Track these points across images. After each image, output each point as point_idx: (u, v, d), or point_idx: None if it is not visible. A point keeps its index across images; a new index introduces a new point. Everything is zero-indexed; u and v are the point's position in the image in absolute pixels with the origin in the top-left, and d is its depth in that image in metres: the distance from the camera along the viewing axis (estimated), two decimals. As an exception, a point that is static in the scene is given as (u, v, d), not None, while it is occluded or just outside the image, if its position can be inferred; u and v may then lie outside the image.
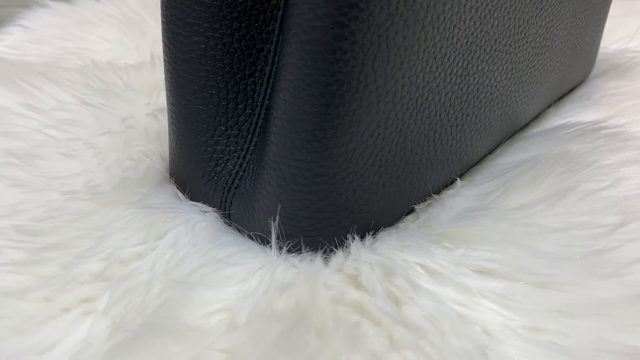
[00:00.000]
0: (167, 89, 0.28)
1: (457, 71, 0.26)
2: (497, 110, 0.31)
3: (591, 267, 0.21)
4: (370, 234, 0.26)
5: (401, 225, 0.27)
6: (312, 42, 0.22)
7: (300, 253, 0.26)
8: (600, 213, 0.25)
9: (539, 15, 0.31)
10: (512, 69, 0.30)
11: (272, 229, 0.26)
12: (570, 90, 0.45)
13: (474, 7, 0.25)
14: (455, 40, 0.25)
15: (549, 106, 0.41)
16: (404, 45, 0.23)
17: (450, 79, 0.26)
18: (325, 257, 0.25)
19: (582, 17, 0.37)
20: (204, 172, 0.29)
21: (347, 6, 0.21)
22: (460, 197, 0.29)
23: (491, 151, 0.34)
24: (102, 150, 0.30)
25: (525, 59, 0.31)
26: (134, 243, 0.24)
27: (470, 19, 0.25)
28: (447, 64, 0.25)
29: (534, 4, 0.30)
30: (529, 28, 0.30)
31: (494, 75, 0.29)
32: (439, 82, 0.25)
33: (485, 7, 0.26)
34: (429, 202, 0.29)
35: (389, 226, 0.27)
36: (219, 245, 0.24)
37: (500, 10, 0.27)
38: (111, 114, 0.34)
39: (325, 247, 0.26)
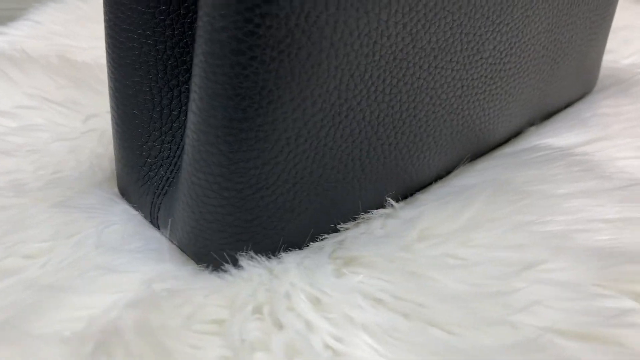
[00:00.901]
0: (109, 94, 0.29)
1: (384, 89, 0.25)
2: (445, 129, 0.30)
3: (483, 310, 0.20)
4: (280, 251, 0.26)
5: (317, 244, 0.26)
6: (212, 55, 0.22)
7: (210, 267, 0.26)
8: (523, 249, 0.24)
9: (497, 30, 0.29)
10: (462, 86, 0.29)
11: (172, 239, 0.26)
12: (567, 106, 0.43)
13: (401, 23, 0.24)
14: (377, 57, 0.24)
15: (532, 124, 0.39)
16: (310, 63, 0.22)
17: (376, 97, 0.25)
18: (223, 273, 0.25)
19: (564, 32, 0.35)
20: (139, 176, 0.30)
21: (242, 21, 0.21)
22: (394, 218, 0.28)
23: (449, 171, 0.33)
24: (45, 149, 0.31)
25: (482, 76, 0.30)
26: (40, 239, 0.24)
27: (396, 35, 0.24)
28: (370, 82, 0.25)
29: (488, 19, 0.28)
30: (483, 44, 0.29)
31: (436, 92, 0.28)
32: (361, 100, 0.25)
33: (416, 23, 0.25)
34: (358, 221, 0.28)
35: (306, 244, 0.27)
36: (121, 251, 0.24)
37: (440, 25, 0.26)
38: (72, 114, 0.35)
39: (237, 262, 0.25)
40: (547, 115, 0.41)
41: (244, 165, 0.24)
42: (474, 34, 0.28)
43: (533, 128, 0.39)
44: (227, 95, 0.22)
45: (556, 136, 0.37)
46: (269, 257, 0.25)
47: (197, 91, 0.23)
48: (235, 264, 0.25)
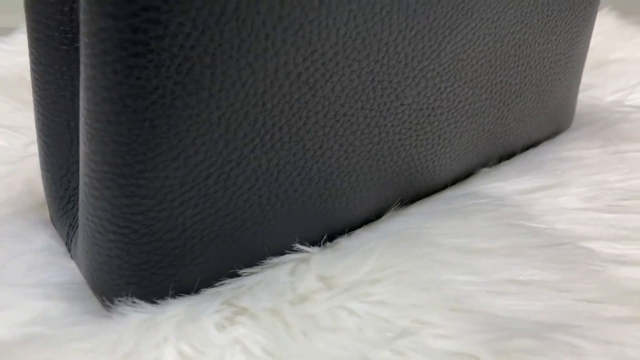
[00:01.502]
0: (35, 125, 0.29)
1: (281, 137, 0.25)
2: (363, 175, 0.29)
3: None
4: (170, 296, 0.26)
5: (213, 290, 0.26)
6: (90, 102, 0.22)
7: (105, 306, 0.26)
8: (416, 310, 0.23)
9: (420, 76, 0.29)
10: (380, 132, 0.29)
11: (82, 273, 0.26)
12: (533, 145, 0.42)
13: (294, 73, 0.24)
14: (269, 106, 0.24)
15: (486, 165, 0.38)
16: (188, 113, 0.22)
17: (273, 145, 0.25)
18: (105, 316, 0.25)
19: (514, 74, 0.34)
20: (59, 206, 0.30)
21: (111, 72, 0.21)
22: (306, 263, 0.28)
23: (381, 214, 0.32)
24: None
25: (405, 122, 0.29)
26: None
27: (290, 85, 0.24)
28: (263, 131, 0.24)
29: (407, 66, 0.28)
30: (403, 91, 0.28)
31: (348, 140, 0.27)
32: (254, 148, 0.24)
33: (314, 73, 0.24)
34: (265, 266, 0.28)
35: (198, 291, 0.26)
36: (13, 285, 0.25)
37: (344, 74, 0.25)
38: (17, 138, 0.36)
39: (123, 304, 0.25)
40: (507, 155, 0.39)
41: (127, 211, 0.24)
42: (390, 81, 0.28)
43: (486, 169, 0.38)
44: (104, 142, 0.22)
45: (504, 180, 0.36)
46: (156, 303, 0.25)
47: (82, 135, 0.23)
48: (121, 306, 0.25)
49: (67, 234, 0.30)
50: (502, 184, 0.35)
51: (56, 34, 0.25)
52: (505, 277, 0.26)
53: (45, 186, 0.31)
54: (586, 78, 0.52)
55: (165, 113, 0.22)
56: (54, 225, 0.32)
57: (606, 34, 0.63)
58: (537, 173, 0.37)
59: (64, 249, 0.30)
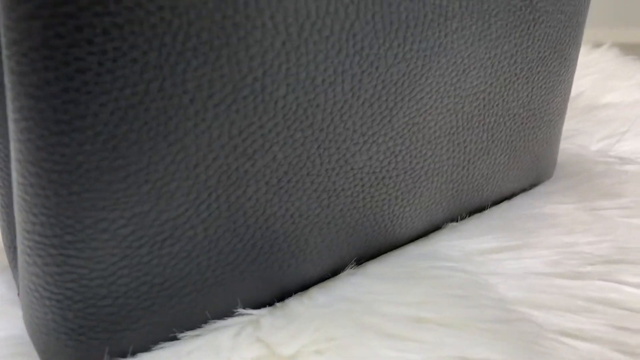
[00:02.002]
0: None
1: (219, 206, 0.25)
2: (311, 239, 0.29)
3: None
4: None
5: (150, 354, 0.26)
6: (17, 174, 0.22)
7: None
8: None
9: (371, 141, 0.28)
10: (329, 196, 0.28)
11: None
12: (510, 197, 0.41)
13: (230, 145, 0.24)
14: (203, 177, 0.24)
15: (453, 219, 0.37)
16: (115, 188, 0.22)
17: (210, 214, 0.25)
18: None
19: (479, 132, 0.34)
20: (14, 255, 0.31)
21: (34, 148, 0.21)
22: (252, 326, 0.28)
23: (338, 271, 0.32)
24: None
25: (357, 185, 0.29)
26: None
27: (226, 157, 0.24)
28: (198, 201, 0.24)
29: (355, 132, 0.27)
30: (353, 156, 0.28)
31: (293, 205, 0.27)
32: (189, 219, 0.24)
33: (252, 144, 0.24)
34: (206, 330, 0.27)
35: (133, 354, 0.26)
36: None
37: (286, 144, 0.25)
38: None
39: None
40: (477, 209, 0.39)
41: (59, 279, 0.24)
42: (338, 148, 0.27)
43: (453, 224, 0.37)
44: (33, 213, 0.22)
45: (468, 238, 0.35)
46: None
47: (15, 204, 0.23)
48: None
49: (18, 285, 0.30)
50: (465, 242, 0.35)
51: None
52: (450, 354, 0.26)
53: (2, 234, 0.31)
54: (574, 123, 0.51)
55: (92, 187, 0.22)
56: (12, 272, 0.32)
57: (602, 73, 0.62)
58: (504, 231, 0.36)
59: (18, 298, 0.31)
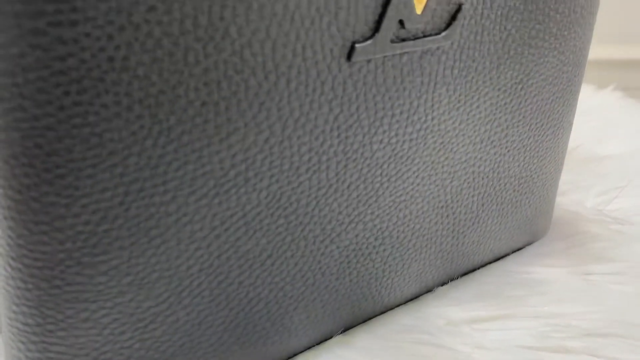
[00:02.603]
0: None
1: (200, 292, 0.25)
2: (296, 316, 0.29)
3: None
4: None
5: None
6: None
7: None
8: None
9: (357, 221, 0.28)
10: (314, 275, 0.28)
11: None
12: (504, 256, 0.41)
13: (212, 235, 0.24)
14: (184, 268, 0.24)
15: (444, 283, 0.37)
16: (96, 281, 0.22)
17: (192, 300, 0.25)
18: None
19: (468, 204, 0.34)
20: None
21: (15, 245, 0.21)
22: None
23: (327, 337, 0.32)
24: None
25: (342, 262, 0.29)
26: None
27: (208, 246, 0.24)
28: (179, 290, 0.24)
29: (341, 214, 0.27)
30: (339, 235, 0.28)
31: (277, 286, 0.27)
32: (171, 305, 0.25)
33: (235, 231, 0.24)
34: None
35: None
36: None
37: (270, 229, 0.25)
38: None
39: None
40: (468, 271, 0.39)
41: (39, 364, 0.24)
42: (323, 229, 0.27)
43: (444, 288, 0.37)
44: (16, 303, 0.23)
45: (456, 305, 0.35)
46: None
47: (-1, 289, 0.24)
48: None
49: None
50: (453, 310, 0.35)
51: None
52: None
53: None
54: (571, 175, 0.50)
55: (73, 281, 0.22)
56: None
57: (604, 119, 0.61)
58: (493, 299, 0.36)
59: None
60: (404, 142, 0.28)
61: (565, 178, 0.50)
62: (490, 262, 0.40)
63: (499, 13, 0.27)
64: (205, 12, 0.19)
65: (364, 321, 0.34)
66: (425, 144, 0.29)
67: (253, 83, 0.21)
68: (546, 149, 0.37)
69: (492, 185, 0.34)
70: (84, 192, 0.20)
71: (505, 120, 0.32)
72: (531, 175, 0.37)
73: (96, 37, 0.18)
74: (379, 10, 0.23)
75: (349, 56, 0.23)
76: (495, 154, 0.33)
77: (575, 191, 0.49)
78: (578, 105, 0.65)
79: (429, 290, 0.37)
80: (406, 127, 0.27)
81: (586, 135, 0.58)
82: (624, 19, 1.03)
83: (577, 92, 0.37)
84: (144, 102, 0.20)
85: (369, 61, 0.24)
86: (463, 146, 0.31)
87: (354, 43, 0.23)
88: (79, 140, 0.19)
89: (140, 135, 0.20)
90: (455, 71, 0.27)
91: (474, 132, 0.31)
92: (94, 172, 0.20)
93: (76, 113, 0.19)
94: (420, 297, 0.36)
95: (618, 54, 1.08)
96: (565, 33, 0.31)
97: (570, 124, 0.38)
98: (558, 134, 0.37)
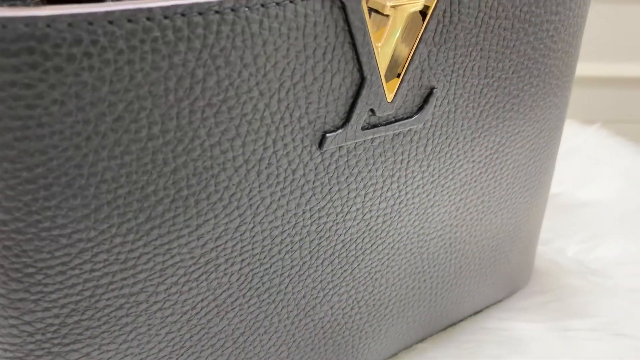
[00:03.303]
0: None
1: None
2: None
3: None
4: None
5: None
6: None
7: None
8: None
9: (333, 293, 0.29)
10: (289, 348, 0.29)
11: None
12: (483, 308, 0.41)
13: (183, 319, 0.24)
14: (156, 351, 0.24)
15: (424, 338, 0.37)
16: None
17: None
18: None
19: (445, 267, 0.34)
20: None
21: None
22: None
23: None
24: None
25: (318, 333, 0.29)
26: None
27: (179, 329, 0.24)
28: None
29: (315, 289, 0.28)
30: (313, 308, 0.28)
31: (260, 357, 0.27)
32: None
33: (206, 314, 0.24)
34: None
35: None
36: None
37: (244, 309, 0.26)
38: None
39: None
40: (448, 326, 0.39)
41: None
42: (297, 304, 0.28)
43: (423, 345, 0.37)
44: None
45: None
46: None
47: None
48: None
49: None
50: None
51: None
52: None
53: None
54: (553, 222, 0.51)
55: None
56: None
57: (588, 160, 0.62)
58: (473, 359, 0.36)
59: None
60: (377, 217, 0.28)
61: (547, 225, 0.50)
62: (470, 315, 0.40)
63: (472, 91, 0.28)
64: (173, 118, 0.19)
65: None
66: (399, 217, 0.29)
67: (223, 177, 0.22)
68: (524, 209, 0.37)
69: (469, 248, 0.35)
70: (53, 289, 0.20)
71: (481, 188, 0.32)
72: (509, 235, 0.37)
73: (63, 148, 0.18)
74: (350, 101, 0.23)
75: (320, 145, 0.24)
76: (471, 219, 0.33)
77: (557, 240, 0.49)
78: (562, 145, 0.66)
79: (408, 347, 0.37)
80: (379, 203, 0.28)
81: (570, 178, 0.58)
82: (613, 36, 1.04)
83: (555, 152, 0.37)
84: (113, 204, 0.20)
85: (340, 147, 0.24)
86: (438, 215, 0.31)
87: (325, 133, 0.23)
88: (48, 241, 0.20)
89: (109, 234, 0.20)
90: (429, 148, 0.28)
91: (449, 202, 0.31)
92: (63, 270, 0.20)
93: (45, 217, 0.19)
94: (399, 354, 0.36)
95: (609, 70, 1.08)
96: (541, 103, 0.32)
97: (549, 183, 0.39)
98: (536, 194, 0.37)
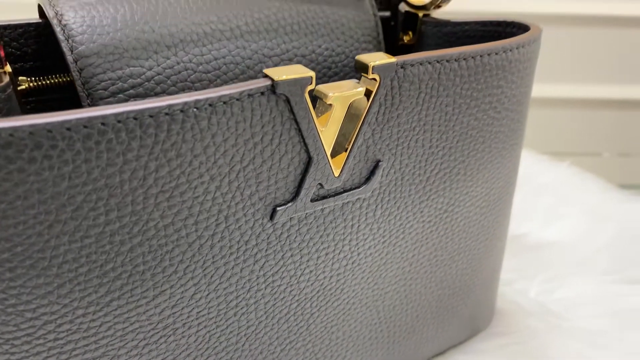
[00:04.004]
0: None
1: None
2: None
3: None
4: None
5: None
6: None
7: None
8: None
9: (288, 348, 0.30)
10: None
11: None
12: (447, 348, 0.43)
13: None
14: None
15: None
16: None
17: None
18: None
19: (404, 318, 0.36)
20: None
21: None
22: None
23: None
24: None
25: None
26: None
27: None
28: None
29: (272, 344, 0.29)
30: (271, 362, 0.30)
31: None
32: None
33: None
34: None
35: None
36: None
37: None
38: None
39: None
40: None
41: None
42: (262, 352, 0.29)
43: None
44: None
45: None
46: None
47: None
48: None
49: None
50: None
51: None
52: None
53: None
54: (517, 262, 0.53)
55: None
56: None
57: (555, 197, 0.64)
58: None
59: None
60: (331, 277, 0.30)
61: (512, 265, 0.52)
62: (431, 358, 0.42)
63: (417, 160, 0.30)
64: (128, 204, 0.21)
65: None
66: (353, 275, 0.31)
67: (177, 253, 0.24)
68: (479, 259, 0.39)
69: (425, 298, 0.37)
70: (19, 357, 0.22)
71: (433, 244, 0.34)
72: (466, 284, 0.39)
73: (27, 236, 0.20)
74: (299, 177, 0.26)
75: (272, 217, 0.26)
76: (425, 272, 0.35)
77: (520, 280, 0.51)
78: (533, 181, 0.68)
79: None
80: (332, 264, 0.30)
81: (538, 216, 0.60)
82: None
83: (509, 204, 0.39)
84: (74, 281, 0.22)
85: (291, 217, 0.26)
86: (391, 271, 0.33)
87: (275, 207, 0.25)
88: (14, 316, 0.21)
89: (71, 307, 0.22)
90: (378, 212, 0.30)
91: (402, 259, 0.33)
92: (28, 340, 0.22)
93: (10, 295, 0.21)
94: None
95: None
96: (489, 166, 0.34)
97: (505, 230, 0.41)
98: (490, 244, 0.39)
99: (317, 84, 0.25)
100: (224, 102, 0.22)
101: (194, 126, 0.21)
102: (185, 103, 0.21)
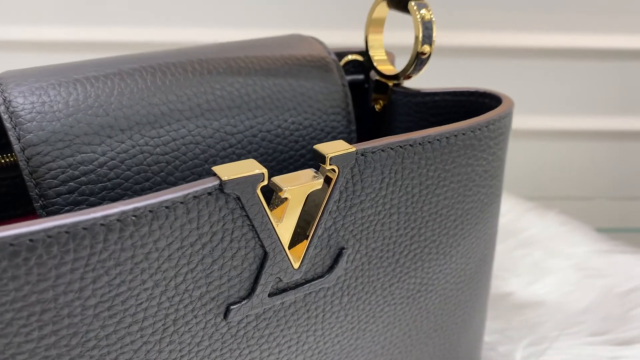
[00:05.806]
0: None
1: None
2: None
3: None
4: None
5: None
6: None
7: None
8: None
9: None
10: None
11: None
12: None
13: None
14: None
15: None
16: None
17: None
18: None
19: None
20: None
21: None
22: None
23: None
24: None
25: None
26: None
27: None
28: None
29: None
30: None
31: None
32: None
33: None
34: None
35: None
36: None
37: None
38: None
39: None
40: None
41: None
42: None
43: None
44: None
45: None
46: None
47: None
48: None
49: None
50: None
51: None
52: None
53: None
54: (501, 324, 0.51)
55: None
56: None
57: (543, 251, 0.63)
58: None
59: None
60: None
61: (496, 327, 0.50)
62: None
63: (385, 243, 0.29)
64: (64, 317, 0.20)
65: None
66: (324, 345, 0.29)
67: (128, 349, 0.22)
68: (458, 332, 0.37)
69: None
70: None
71: (407, 325, 0.33)
72: (445, 356, 0.38)
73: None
74: (254, 273, 0.24)
75: (225, 316, 0.24)
76: (400, 352, 0.34)
77: (506, 342, 0.49)
78: (520, 234, 0.67)
79: None
80: (296, 357, 0.28)
81: (525, 272, 0.59)
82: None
83: (489, 273, 0.38)
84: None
85: (247, 315, 0.25)
86: (363, 355, 0.32)
87: (229, 305, 0.24)
88: None
89: None
90: (345, 299, 0.29)
91: (373, 342, 0.32)
92: None
93: None
94: None
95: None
96: (463, 241, 0.33)
97: (485, 299, 0.40)
98: (469, 317, 0.38)
99: (281, 163, 0.24)
100: (167, 207, 0.20)
101: (133, 234, 0.20)
102: (123, 212, 0.19)
